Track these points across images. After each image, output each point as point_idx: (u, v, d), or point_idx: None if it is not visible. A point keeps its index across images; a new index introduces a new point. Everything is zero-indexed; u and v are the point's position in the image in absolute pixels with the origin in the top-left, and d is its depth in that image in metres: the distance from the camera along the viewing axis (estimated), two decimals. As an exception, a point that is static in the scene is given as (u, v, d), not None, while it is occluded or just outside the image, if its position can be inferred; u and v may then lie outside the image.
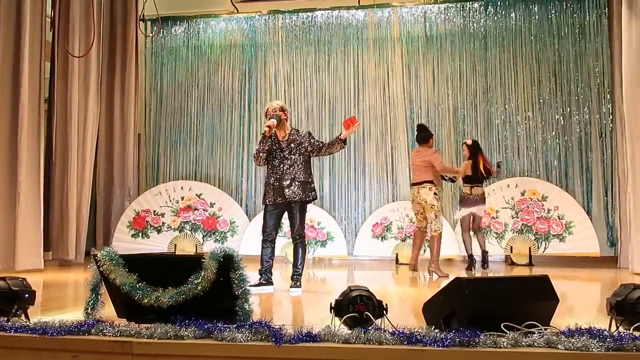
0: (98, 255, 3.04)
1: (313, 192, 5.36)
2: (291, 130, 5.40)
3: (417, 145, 7.10)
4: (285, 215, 5.39)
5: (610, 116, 8.45)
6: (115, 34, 9.34)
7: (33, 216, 6.95)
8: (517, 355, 2.50)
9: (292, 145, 5.30)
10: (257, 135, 9.40)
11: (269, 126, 5.13)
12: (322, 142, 5.42)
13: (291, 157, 5.28)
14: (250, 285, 5.07)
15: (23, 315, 3.14)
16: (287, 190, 5.22)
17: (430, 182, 6.69)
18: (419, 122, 8.97)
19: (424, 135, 6.99)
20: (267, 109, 5.36)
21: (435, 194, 6.68)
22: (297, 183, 5.23)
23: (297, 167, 5.27)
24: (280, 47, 9.64)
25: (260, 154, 5.27)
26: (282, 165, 5.28)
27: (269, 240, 5.29)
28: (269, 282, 5.24)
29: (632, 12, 6.81)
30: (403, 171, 9.04)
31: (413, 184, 6.89)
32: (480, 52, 9.10)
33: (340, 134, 5.30)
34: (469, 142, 7.57)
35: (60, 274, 6.92)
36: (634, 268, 6.71)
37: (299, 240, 5.31)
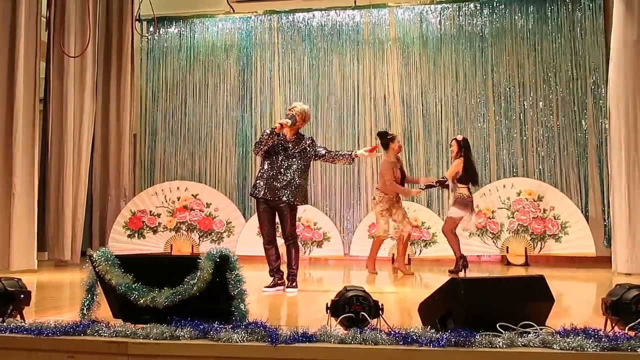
0: (94, 256, 3.03)
1: (305, 197, 5.41)
2: (297, 133, 5.42)
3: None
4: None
5: (607, 116, 8.46)
6: (111, 34, 9.32)
7: (28, 216, 6.93)
8: (512, 355, 2.51)
9: (296, 148, 5.33)
10: (253, 136, 9.39)
11: (281, 123, 5.18)
12: (325, 148, 5.54)
13: (292, 160, 5.30)
14: (266, 287, 5.12)
15: (18, 315, 3.13)
16: (279, 191, 5.23)
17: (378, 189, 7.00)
18: (413, 122, 9.01)
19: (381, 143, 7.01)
20: (293, 108, 5.41)
21: (373, 198, 7.14)
22: (291, 187, 5.25)
23: (295, 171, 5.29)
24: (276, 47, 9.63)
25: (263, 147, 5.27)
26: (280, 165, 5.29)
27: (269, 242, 5.35)
28: (283, 282, 5.32)
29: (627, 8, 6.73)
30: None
31: None
32: (477, 52, 9.11)
33: (356, 151, 5.58)
34: (460, 137, 7.17)
35: (56, 274, 6.90)
36: (617, 267, 6.76)
37: (291, 241, 5.35)
